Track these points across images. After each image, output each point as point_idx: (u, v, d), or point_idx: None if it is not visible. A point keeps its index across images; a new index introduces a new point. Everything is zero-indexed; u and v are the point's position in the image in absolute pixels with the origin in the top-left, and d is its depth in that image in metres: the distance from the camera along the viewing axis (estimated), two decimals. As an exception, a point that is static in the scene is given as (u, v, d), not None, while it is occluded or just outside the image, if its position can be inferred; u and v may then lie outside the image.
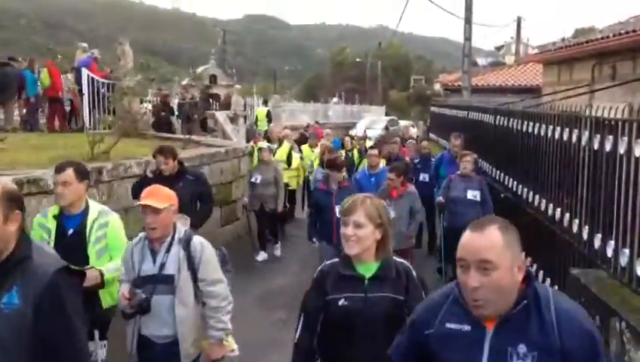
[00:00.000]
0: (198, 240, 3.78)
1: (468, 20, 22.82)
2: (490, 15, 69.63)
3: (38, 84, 14.03)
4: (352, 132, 24.21)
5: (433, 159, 10.36)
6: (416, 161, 10.68)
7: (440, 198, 8.30)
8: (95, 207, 4.35)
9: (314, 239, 7.90)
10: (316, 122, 25.84)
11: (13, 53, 17.93)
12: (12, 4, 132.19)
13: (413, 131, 25.51)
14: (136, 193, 6.07)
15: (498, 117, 9.64)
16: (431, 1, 25.65)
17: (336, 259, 3.11)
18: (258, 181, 9.50)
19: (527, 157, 7.63)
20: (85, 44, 16.75)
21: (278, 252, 10.17)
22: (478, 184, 7.99)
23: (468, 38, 22.87)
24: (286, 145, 11.58)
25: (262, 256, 9.88)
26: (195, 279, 3.68)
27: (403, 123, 32.24)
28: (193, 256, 3.68)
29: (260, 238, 9.97)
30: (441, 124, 21.37)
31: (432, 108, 26.22)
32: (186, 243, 3.71)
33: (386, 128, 23.47)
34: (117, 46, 14.81)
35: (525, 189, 7.59)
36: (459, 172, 8.14)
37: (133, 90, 12.17)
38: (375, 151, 9.74)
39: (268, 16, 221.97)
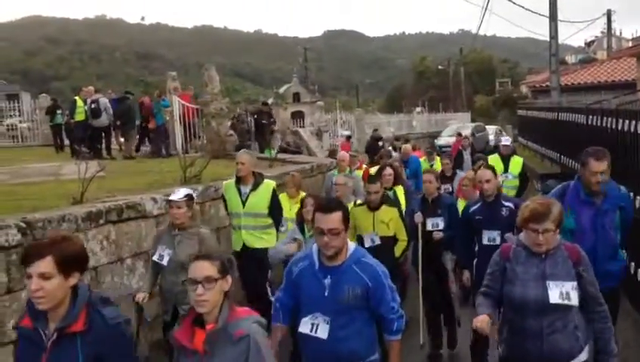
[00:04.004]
0: None
1: (553, 18, 21.99)
2: (578, 10, 66.73)
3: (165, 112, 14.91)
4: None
5: (507, 205, 5.58)
6: (475, 207, 5.72)
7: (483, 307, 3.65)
8: None
9: None
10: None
11: (109, 86, 19.11)
12: (107, 40, 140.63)
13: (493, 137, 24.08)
14: None
15: (590, 116, 9.25)
16: (513, 2, 24.87)
17: None
18: (164, 262, 5.07)
19: (624, 156, 7.26)
20: (174, 73, 17.53)
21: None
22: (570, 267, 3.54)
23: (554, 36, 22.01)
24: (267, 186, 6.65)
25: None
26: None
27: (490, 128, 31.42)
28: None
29: None
30: (529, 127, 20.71)
31: (520, 112, 25.43)
32: None
33: (473, 135, 22.89)
34: (203, 72, 15.42)
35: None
36: (521, 237, 3.65)
37: (220, 114, 12.59)
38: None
39: (347, 31, 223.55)
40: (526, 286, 3.52)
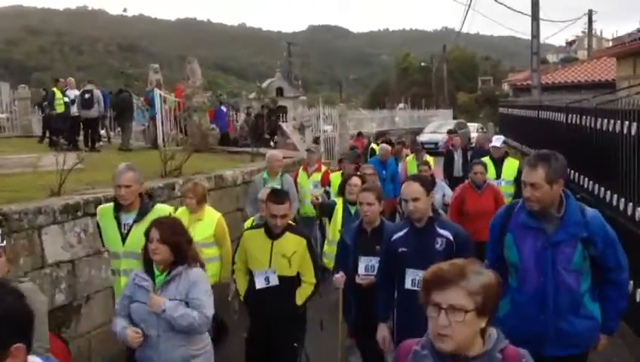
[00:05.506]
0: None
1: (535, 17, 22.21)
2: (560, 10, 67.46)
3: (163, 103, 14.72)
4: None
5: (443, 235, 3.88)
6: (399, 235, 3.97)
7: None
8: None
9: None
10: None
11: (90, 77, 18.90)
12: (88, 32, 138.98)
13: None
14: None
15: (569, 115, 9.35)
16: (496, 1, 25.03)
17: None
18: None
19: (602, 155, 7.35)
20: (156, 65, 17.41)
21: None
22: None
23: (535, 35, 22.24)
24: (158, 214, 4.35)
25: None
26: None
27: (472, 125, 31.66)
28: None
29: None
30: (510, 125, 20.87)
31: (501, 109, 25.65)
32: None
33: (455, 131, 23.03)
34: (186, 65, 15.33)
35: (602, 188, 7.31)
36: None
37: (202, 107, 12.53)
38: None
39: (331, 26, 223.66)
40: None
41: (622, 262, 3.36)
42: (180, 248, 3.59)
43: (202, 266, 3.73)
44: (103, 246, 4.71)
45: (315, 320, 5.23)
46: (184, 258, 3.60)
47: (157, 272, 3.63)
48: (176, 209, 5.03)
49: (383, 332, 4.02)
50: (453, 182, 10.61)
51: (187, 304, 3.54)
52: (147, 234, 3.61)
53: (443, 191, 8.22)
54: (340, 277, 4.74)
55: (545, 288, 3.30)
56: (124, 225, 4.44)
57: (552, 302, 3.29)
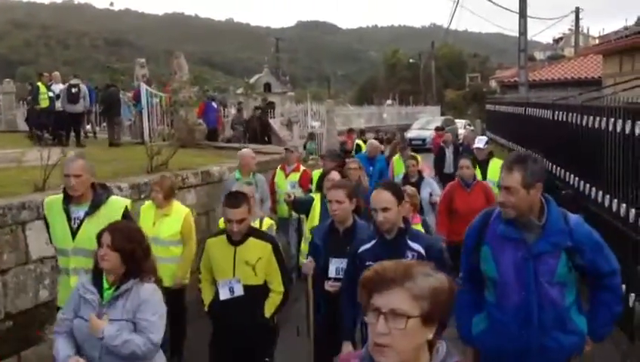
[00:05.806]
0: None
1: (522, 14, 22.34)
2: (547, 8, 67.94)
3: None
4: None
5: (414, 248, 3.69)
6: (366, 247, 3.74)
7: None
8: None
9: None
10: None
11: (76, 72, 18.78)
12: (74, 26, 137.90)
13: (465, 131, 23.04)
14: None
15: (556, 112, 9.41)
16: (484, -3, 25.17)
17: None
18: None
19: (587, 152, 7.39)
20: (143, 60, 17.30)
21: None
22: None
23: (523, 32, 22.37)
24: (113, 206, 4.21)
25: None
26: None
27: (459, 122, 31.78)
28: None
29: None
30: (497, 121, 20.97)
31: (488, 106, 25.76)
32: None
33: (442, 128, 23.11)
34: (173, 60, 15.22)
35: (587, 185, 7.36)
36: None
37: (189, 102, 12.45)
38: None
39: (320, 22, 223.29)
40: None
41: (614, 266, 3.16)
42: (132, 257, 3.13)
43: (158, 282, 3.28)
44: (51, 242, 4.25)
45: (290, 323, 5.14)
46: (138, 270, 3.14)
47: (106, 285, 3.17)
48: (133, 202, 4.68)
49: (347, 349, 3.68)
50: (444, 178, 10.64)
51: (135, 324, 3.09)
52: (99, 239, 3.17)
53: (430, 189, 7.95)
54: (309, 262, 4.43)
55: (527, 303, 3.06)
56: (75, 218, 4.02)
57: (538, 318, 3.06)
